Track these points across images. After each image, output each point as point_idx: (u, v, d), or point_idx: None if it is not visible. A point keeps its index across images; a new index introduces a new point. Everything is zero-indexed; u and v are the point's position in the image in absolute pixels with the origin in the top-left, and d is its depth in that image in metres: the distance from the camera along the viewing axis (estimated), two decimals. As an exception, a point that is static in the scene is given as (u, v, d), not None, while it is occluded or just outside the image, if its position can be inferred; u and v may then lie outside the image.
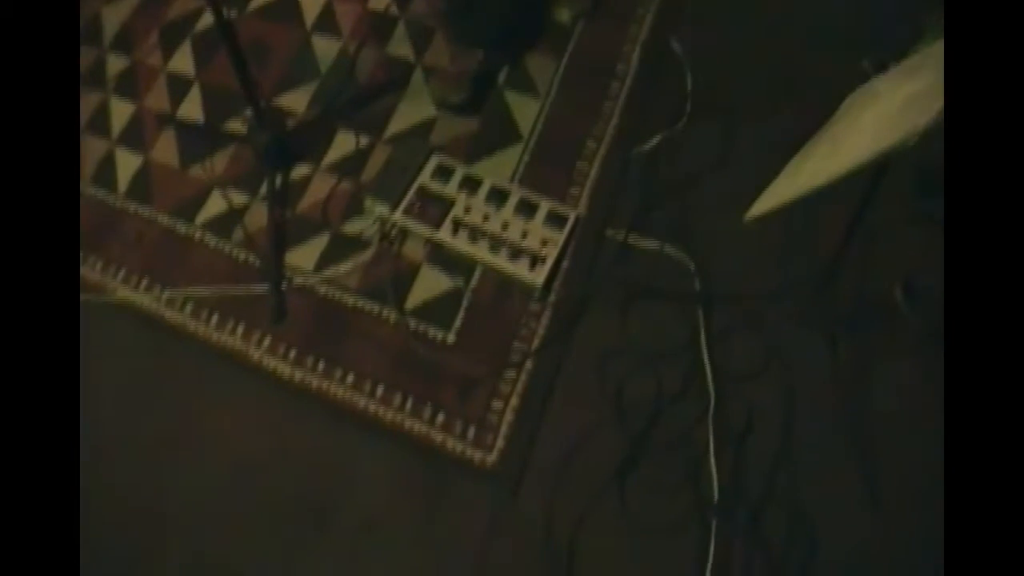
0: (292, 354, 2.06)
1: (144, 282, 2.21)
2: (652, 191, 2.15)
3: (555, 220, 2.09)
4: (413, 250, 2.15)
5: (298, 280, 2.14)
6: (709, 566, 1.72)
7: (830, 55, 2.19)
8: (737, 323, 1.96)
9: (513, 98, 2.35)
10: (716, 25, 2.38)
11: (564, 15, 2.47)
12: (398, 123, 2.35)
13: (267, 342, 2.08)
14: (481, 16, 2.26)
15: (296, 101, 2.43)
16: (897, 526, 1.72)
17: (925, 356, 1.86)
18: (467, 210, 2.11)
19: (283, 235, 2.21)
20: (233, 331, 2.11)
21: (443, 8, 2.28)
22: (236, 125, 2.40)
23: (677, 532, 1.76)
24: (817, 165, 1.47)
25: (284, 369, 2.04)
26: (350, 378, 2.01)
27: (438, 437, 1.92)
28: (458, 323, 2.04)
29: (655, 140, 2.21)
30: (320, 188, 2.27)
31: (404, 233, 2.16)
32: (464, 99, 2.31)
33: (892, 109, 1.36)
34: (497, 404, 1.94)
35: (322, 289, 2.13)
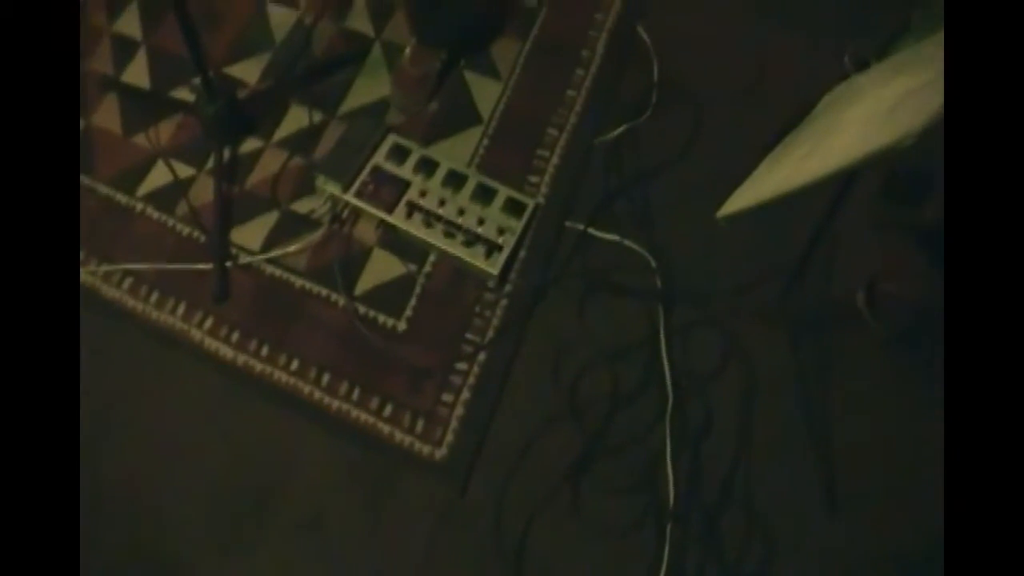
0: (235, 336, 1.93)
1: (80, 254, 2.06)
2: (614, 182, 2.07)
3: (513, 207, 1.99)
4: (365, 232, 2.03)
5: (244, 259, 2.01)
6: (663, 571, 1.64)
7: (805, 46, 2.14)
8: (698, 321, 1.89)
9: (474, 80, 2.24)
10: (685, 12, 2.30)
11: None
12: (354, 99, 2.22)
13: (209, 322, 1.95)
14: (447, 14, 2.14)
15: (248, 71, 2.29)
16: (855, 531, 1.67)
17: (885, 361, 1.82)
18: (423, 193, 2.00)
19: (230, 211, 2.08)
20: (173, 310, 1.97)
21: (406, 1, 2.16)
22: (184, 93, 2.25)
23: (631, 534, 1.68)
24: (797, 164, 1.39)
25: (226, 351, 1.91)
26: (295, 364, 1.89)
27: (385, 429, 1.81)
28: (409, 311, 1.93)
29: (619, 130, 2.13)
30: (270, 164, 2.14)
31: (356, 214, 2.04)
32: (426, 103, 2.21)
33: (881, 108, 1.27)
34: (447, 397, 1.84)
35: (269, 269, 2.00)
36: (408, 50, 2.20)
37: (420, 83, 2.19)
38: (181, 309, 1.97)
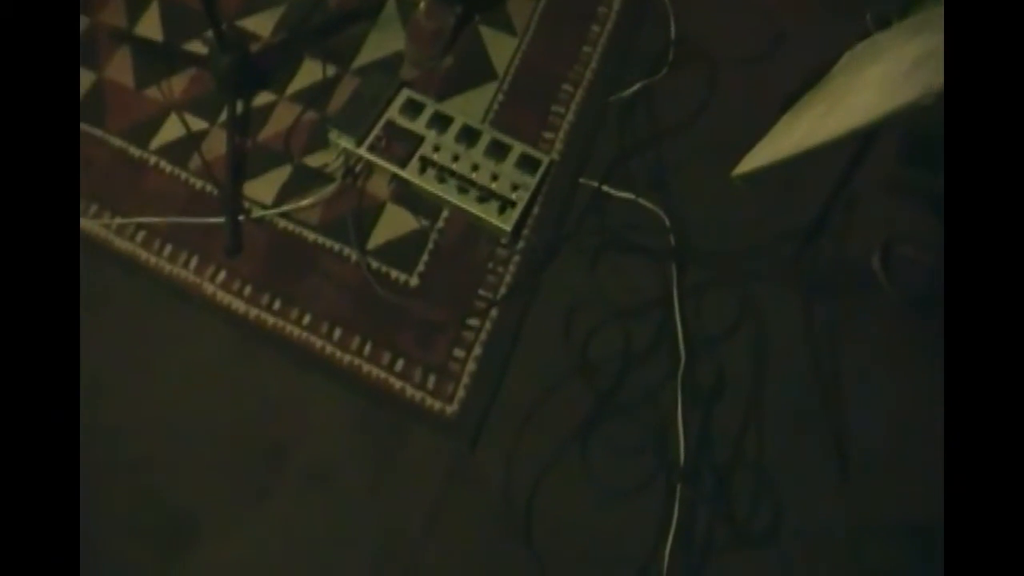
0: (247, 290, 1.91)
1: (93, 208, 2.03)
2: (629, 140, 2.04)
3: (527, 164, 1.96)
4: (378, 187, 2.00)
5: (256, 212, 1.99)
6: (672, 530, 1.63)
7: (826, 5, 2.09)
8: (711, 281, 1.87)
9: (489, 35, 2.20)
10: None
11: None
12: (368, 54, 2.19)
13: (222, 276, 1.93)
14: None
15: (261, 24, 2.25)
16: (865, 496, 1.66)
17: (899, 324, 1.80)
18: (436, 148, 1.97)
19: (242, 164, 2.06)
20: (186, 263, 1.95)
21: None
22: (196, 46, 2.22)
23: (640, 494, 1.67)
24: (815, 123, 1.36)
25: (239, 305, 1.90)
26: (307, 318, 1.87)
27: (396, 384, 1.80)
28: (422, 266, 1.91)
29: (634, 88, 2.09)
30: (283, 117, 2.11)
31: (369, 169, 2.01)
32: (440, 58, 2.17)
33: (902, 67, 1.24)
34: (459, 352, 1.82)
35: (281, 223, 1.98)
36: (423, 4, 2.16)
37: (434, 37, 2.15)
38: (194, 262, 1.95)
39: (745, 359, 1.79)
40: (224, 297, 1.91)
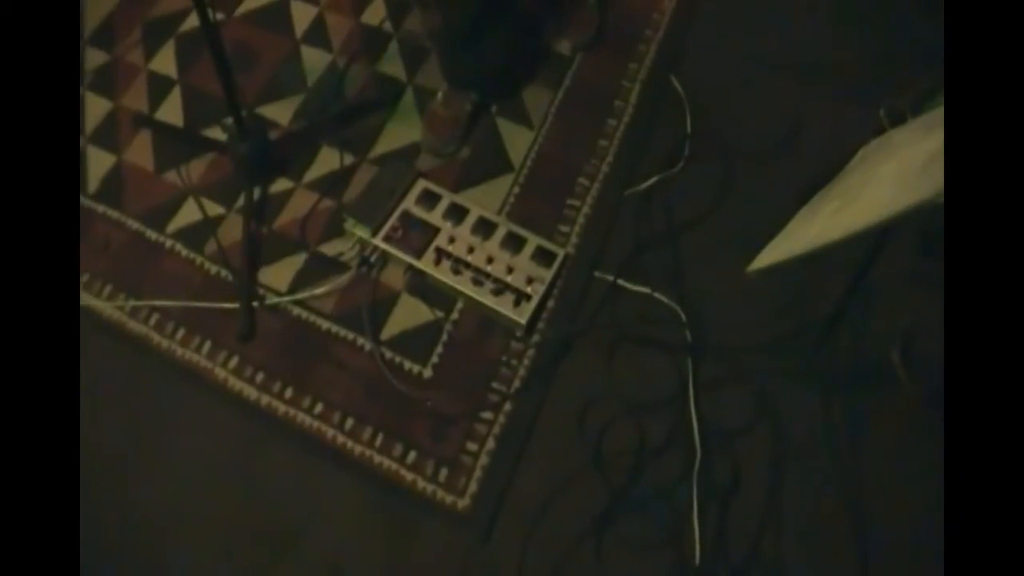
0: (259, 377, 1.96)
1: (108, 288, 2.10)
2: (645, 234, 2.10)
3: (543, 257, 2.02)
4: (393, 277, 2.06)
5: (271, 299, 2.05)
6: (686, 632, 1.64)
7: (840, 100, 2.16)
8: (727, 376, 1.90)
9: (506, 127, 2.29)
10: (720, 64, 2.34)
11: (564, 46, 2.41)
12: (385, 143, 2.27)
13: (234, 362, 1.98)
14: (479, 56, 2.18)
15: (280, 112, 2.35)
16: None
17: (921, 422, 1.81)
18: (451, 240, 2.04)
19: (258, 251, 2.12)
20: (199, 348, 2.01)
21: (437, 41, 2.21)
22: (216, 132, 2.31)
23: (655, 594, 1.68)
24: (831, 219, 1.41)
25: (250, 392, 1.94)
26: (319, 407, 1.91)
27: (408, 476, 1.83)
28: (435, 358, 1.96)
29: (650, 181, 2.16)
30: (300, 205, 2.18)
31: (384, 259, 2.08)
32: (457, 146, 2.25)
33: (915, 164, 1.30)
34: (472, 446, 1.85)
35: (295, 311, 2.03)
36: (440, 93, 2.24)
37: (451, 125, 2.24)
38: (206, 347, 2.01)
39: (762, 456, 1.81)
40: (236, 383, 1.96)
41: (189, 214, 2.20)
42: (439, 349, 1.97)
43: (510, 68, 2.35)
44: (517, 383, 1.93)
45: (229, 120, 2.11)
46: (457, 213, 2.08)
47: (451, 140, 2.24)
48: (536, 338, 1.98)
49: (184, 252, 2.14)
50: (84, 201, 2.24)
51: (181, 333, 2.03)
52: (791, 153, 2.16)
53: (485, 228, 2.05)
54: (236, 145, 2.16)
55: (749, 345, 1.92)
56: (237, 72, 2.03)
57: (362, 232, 2.06)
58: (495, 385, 1.92)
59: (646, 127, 2.27)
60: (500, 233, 2.05)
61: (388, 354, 1.96)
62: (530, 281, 1.98)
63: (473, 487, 1.81)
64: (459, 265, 2.00)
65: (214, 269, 2.11)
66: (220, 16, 2.51)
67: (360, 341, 1.98)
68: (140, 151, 2.31)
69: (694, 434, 1.83)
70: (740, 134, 2.22)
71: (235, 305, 2.03)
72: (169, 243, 2.15)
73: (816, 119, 2.20)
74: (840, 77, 2.26)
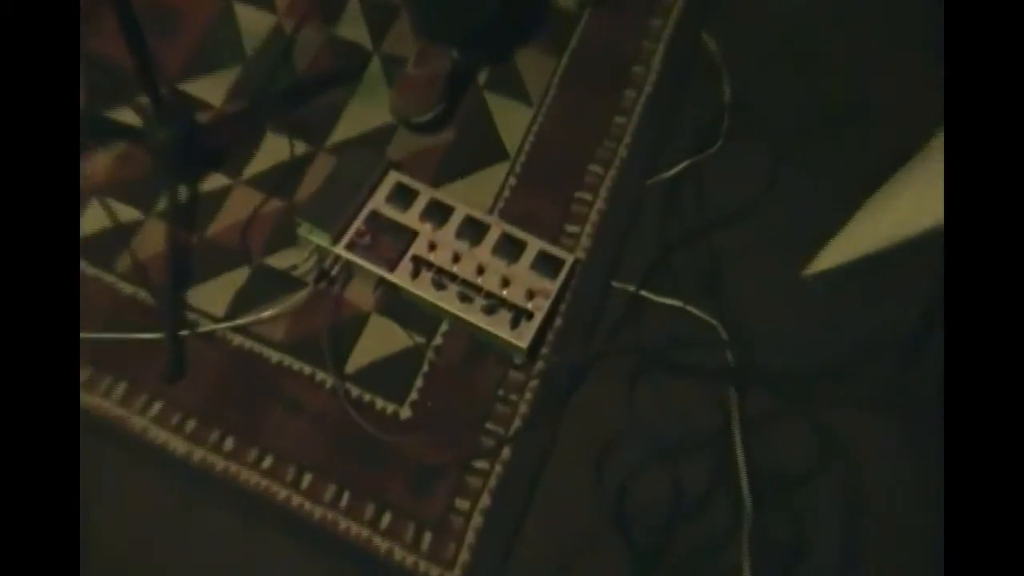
0: (190, 425, 2.00)
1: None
2: (674, 233, 2.15)
3: (546, 264, 2.07)
4: (360, 294, 2.12)
5: (204, 326, 2.10)
6: None
7: (911, 65, 2.18)
8: (782, 408, 1.94)
9: (497, 104, 2.36)
10: (765, 14, 2.38)
11: (568, 1, 2.47)
12: (346, 127, 2.33)
13: (156, 408, 2.02)
14: (457, 4, 2.24)
15: (211, 89, 2.39)
16: None
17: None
18: (432, 246, 2.09)
19: (186, 265, 2.16)
20: (109, 391, 2.03)
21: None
22: (128, 115, 2.33)
23: None
24: (904, 212, 1.47)
25: (177, 445, 1.98)
26: (267, 460, 1.96)
27: (383, 545, 1.88)
28: (415, 394, 2.01)
29: (679, 167, 2.21)
30: (240, 206, 2.23)
31: (349, 272, 2.13)
32: (432, 116, 2.30)
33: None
34: (462, 503, 1.91)
35: (236, 340, 2.08)
36: (414, 50, 2.29)
37: (427, 87, 2.28)
38: (119, 391, 2.03)
39: (830, 510, 1.84)
40: (158, 434, 1.99)
41: (93, 220, 2.22)
42: (419, 383, 2.02)
43: (500, 21, 2.36)
44: (517, 423, 1.97)
45: (144, 99, 2.12)
46: (439, 212, 2.12)
47: (428, 104, 2.28)
48: (540, 366, 2.03)
49: (89, 270, 2.16)
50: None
51: (86, 373, 2.04)
52: (855, 129, 2.18)
53: (474, 230, 2.10)
54: (154, 131, 2.17)
55: (808, 369, 1.96)
56: (153, 37, 2.03)
57: (320, 239, 2.10)
58: (490, 426, 1.97)
59: (673, 99, 2.32)
60: (493, 236, 2.10)
61: (355, 391, 2.01)
62: (531, 295, 2.02)
63: (465, 556, 1.86)
64: (442, 277, 2.05)
65: (129, 290, 2.14)
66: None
67: (320, 376, 2.03)
68: (32, 142, 2.35)
69: (742, 482, 1.87)
70: (791, 106, 2.26)
71: (157, 335, 2.06)
72: (72, 258, 2.19)
73: (883, 89, 2.23)
74: (913, 35, 2.27)
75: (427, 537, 1.88)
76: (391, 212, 2.14)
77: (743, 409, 1.94)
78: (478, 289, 2.04)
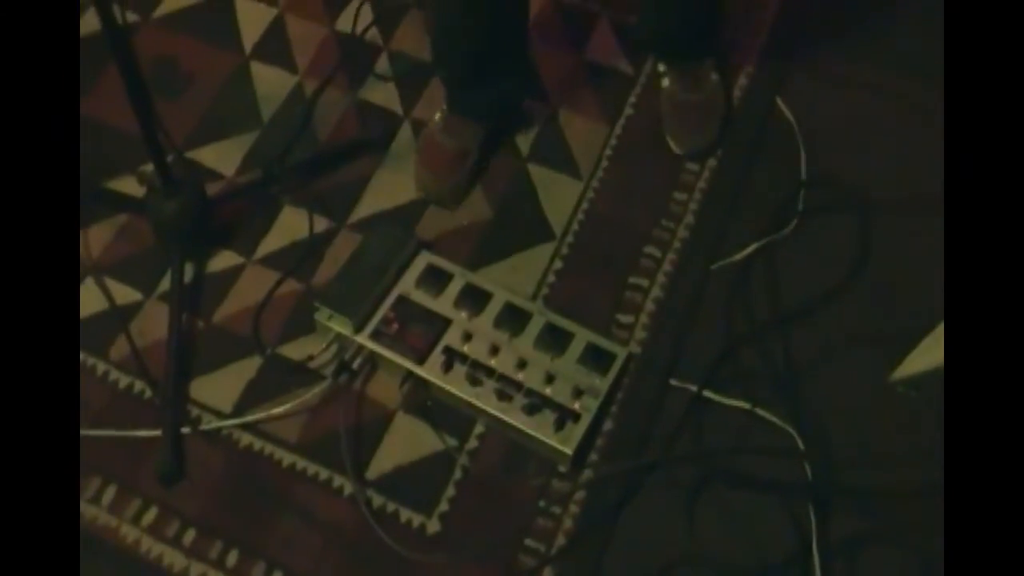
0: (189, 536, 1.99)
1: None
2: (741, 325, 2.15)
3: (596, 359, 2.07)
4: (384, 391, 2.12)
5: (209, 423, 2.10)
6: None
7: None
8: (870, 532, 1.91)
9: (542, 176, 2.37)
10: (844, 79, 2.38)
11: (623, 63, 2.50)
12: (372, 201, 2.35)
13: (151, 515, 2.01)
14: (494, 86, 2.26)
15: (223, 157, 2.42)
16: None
17: None
18: (467, 336, 2.09)
19: (190, 354, 2.18)
20: (98, 497, 2.03)
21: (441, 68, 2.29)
22: (129, 185, 2.36)
23: None
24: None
25: (173, 560, 1.97)
26: (277, 577, 1.96)
27: None
28: (445, 504, 2.00)
29: (749, 250, 2.21)
30: (252, 288, 2.24)
31: (373, 364, 2.14)
32: (462, 192, 2.32)
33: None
34: (499, 633, 1.90)
35: (244, 439, 2.08)
36: (438, 114, 2.32)
37: (456, 161, 2.31)
38: (108, 496, 2.03)
39: None
40: (153, 547, 1.98)
41: (87, 302, 2.23)
42: (450, 491, 2.01)
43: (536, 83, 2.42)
44: (561, 540, 1.96)
45: (148, 168, 2.15)
46: (475, 299, 2.13)
47: (456, 182, 2.31)
48: (587, 475, 2.01)
49: (81, 356, 2.17)
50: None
51: (77, 474, 2.06)
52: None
53: (515, 319, 2.10)
54: (159, 203, 2.18)
55: (899, 486, 1.93)
56: (160, 99, 2.08)
57: (341, 327, 2.10)
58: (529, 543, 1.95)
59: (742, 172, 2.33)
60: (536, 326, 2.10)
61: (377, 500, 2.01)
62: (579, 394, 2.02)
63: None
64: (478, 372, 2.05)
65: (124, 381, 2.15)
66: (133, 17, 2.58)
67: (337, 481, 2.02)
68: (21, 213, 2.38)
69: (823, 618, 1.85)
70: (877, 179, 2.26)
71: (155, 432, 2.06)
72: (62, 344, 2.20)
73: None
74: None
75: (457, 673, 1.87)
76: (421, 298, 2.14)
77: (824, 532, 1.91)
78: (518, 386, 2.03)
